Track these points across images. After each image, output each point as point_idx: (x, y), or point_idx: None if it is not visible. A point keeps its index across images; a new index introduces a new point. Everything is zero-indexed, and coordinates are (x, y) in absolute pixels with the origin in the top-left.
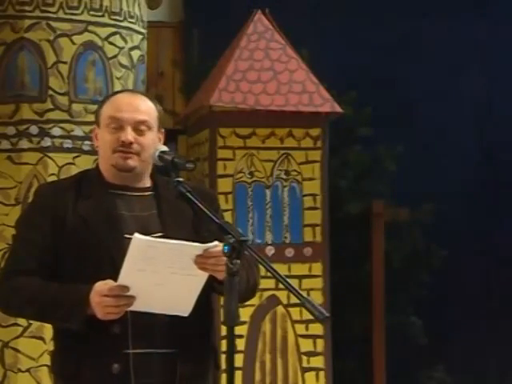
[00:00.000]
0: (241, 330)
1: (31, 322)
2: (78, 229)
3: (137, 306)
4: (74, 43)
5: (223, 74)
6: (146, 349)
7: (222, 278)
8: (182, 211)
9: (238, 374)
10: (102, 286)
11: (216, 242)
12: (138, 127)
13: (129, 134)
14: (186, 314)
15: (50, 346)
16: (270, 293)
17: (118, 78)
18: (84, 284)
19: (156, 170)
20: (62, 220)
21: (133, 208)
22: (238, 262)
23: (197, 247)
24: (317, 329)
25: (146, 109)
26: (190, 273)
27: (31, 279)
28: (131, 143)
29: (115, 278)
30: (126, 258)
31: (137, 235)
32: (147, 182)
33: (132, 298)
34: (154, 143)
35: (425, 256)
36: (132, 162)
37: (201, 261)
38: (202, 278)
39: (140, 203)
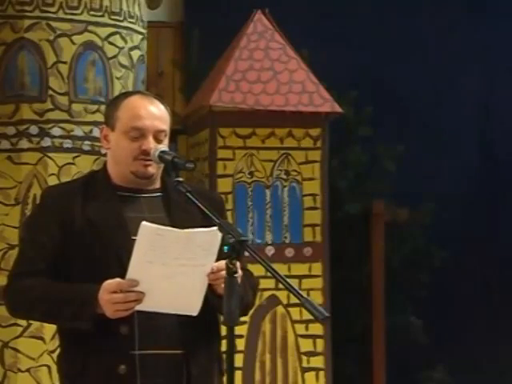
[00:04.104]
0: (241, 329)
1: (31, 322)
2: (86, 231)
3: (145, 305)
4: (73, 43)
5: (223, 74)
6: (152, 350)
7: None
8: (192, 213)
9: (238, 374)
10: (110, 283)
11: (215, 228)
12: (158, 136)
13: (151, 143)
14: (195, 313)
15: (50, 346)
16: (270, 293)
17: (117, 78)
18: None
19: (165, 172)
20: (69, 222)
21: (141, 210)
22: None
23: (203, 233)
24: (317, 329)
25: (164, 116)
26: (197, 263)
27: (39, 280)
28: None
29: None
30: (135, 248)
31: (145, 223)
32: (156, 184)
33: (141, 293)
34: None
35: (425, 256)
36: (152, 169)
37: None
38: (209, 268)
39: (148, 205)
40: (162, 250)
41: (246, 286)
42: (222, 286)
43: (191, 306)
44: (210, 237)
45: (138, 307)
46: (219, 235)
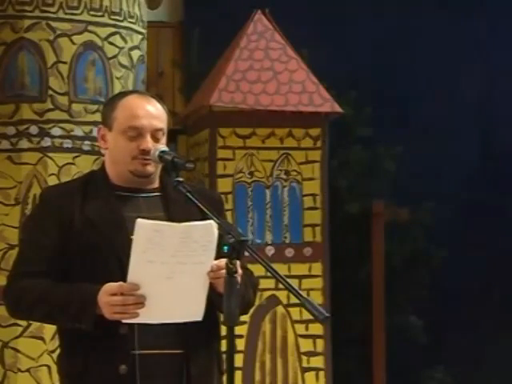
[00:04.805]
0: (241, 329)
1: (31, 322)
2: (85, 231)
3: (148, 315)
4: (73, 43)
5: (223, 74)
6: (152, 350)
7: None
8: (191, 212)
9: (238, 374)
10: (111, 285)
11: (211, 221)
12: (156, 135)
13: (149, 143)
14: (199, 318)
15: (50, 346)
16: (270, 293)
17: (117, 78)
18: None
19: (164, 171)
20: (68, 222)
21: (140, 209)
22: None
23: (200, 226)
24: (317, 329)
25: (161, 114)
26: (196, 260)
27: (40, 281)
28: (150, 150)
29: (123, 279)
30: (133, 246)
31: (140, 220)
32: (155, 183)
33: (142, 297)
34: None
35: (425, 256)
36: (150, 168)
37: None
38: (209, 266)
39: (147, 204)
40: (160, 247)
41: (247, 284)
42: (221, 283)
43: (195, 310)
44: (207, 231)
45: (142, 319)
46: (215, 229)
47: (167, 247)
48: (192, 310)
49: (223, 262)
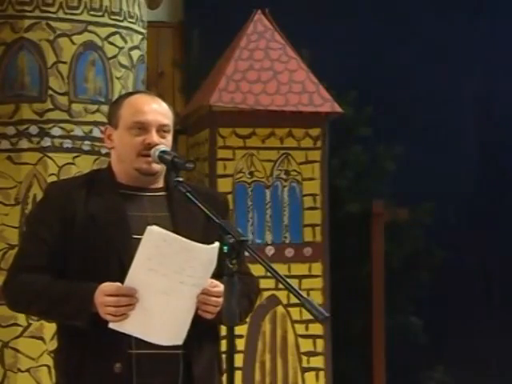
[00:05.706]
0: (241, 330)
1: (31, 321)
2: (87, 228)
3: (131, 324)
4: (73, 43)
5: (223, 74)
6: (148, 349)
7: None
8: (194, 213)
9: (238, 374)
10: (108, 286)
11: (217, 244)
12: (161, 130)
13: (154, 137)
14: (180, 342)
15: (50, 346)
16: (270, 293)
17: (117, 78)
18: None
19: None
20: (71, 219)
21: (144, 208)
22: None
23: (209, 249)
24: (317, 329)
25: (166, 112)
26: (196, 282)
27: (40, 276)
28: (156, 145)
29: (123, 278)
30: (138, 252)
31: (151, 228)
32: (160, 183)
33: (134, 299)
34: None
35: (425, 256)
36: (156, 166)
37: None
38: (200, 290)
39: (151, 204)
40: (165, 259)
41: (243, 293)
42: (208, 310)
43: (176, 336)
44: (212, 254)
45: (125, 328)
46: (216, 254)
47: (172, 261)
48: (174, 335)
49: (216, 288)
